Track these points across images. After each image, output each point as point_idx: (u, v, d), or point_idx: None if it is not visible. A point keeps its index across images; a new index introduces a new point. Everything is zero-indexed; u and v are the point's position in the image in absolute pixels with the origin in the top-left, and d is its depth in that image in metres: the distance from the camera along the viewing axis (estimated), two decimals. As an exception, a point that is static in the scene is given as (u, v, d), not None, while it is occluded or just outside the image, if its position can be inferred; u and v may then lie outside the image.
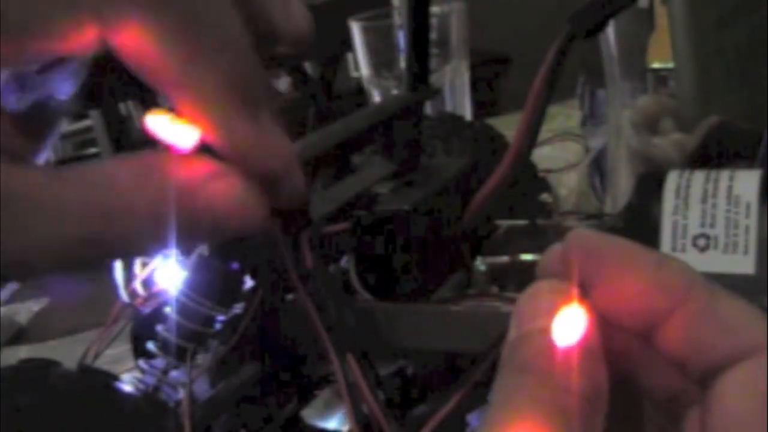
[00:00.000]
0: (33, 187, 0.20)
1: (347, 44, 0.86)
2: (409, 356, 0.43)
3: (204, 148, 0.22)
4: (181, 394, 0.40)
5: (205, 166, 0.22)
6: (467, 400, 0.36)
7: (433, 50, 0.58)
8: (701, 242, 0.43)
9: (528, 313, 0.22)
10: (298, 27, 0.25)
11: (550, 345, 0.21)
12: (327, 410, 0.48)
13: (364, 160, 0.52)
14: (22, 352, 0.70)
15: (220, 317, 0.41)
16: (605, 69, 0.74)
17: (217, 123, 0.22)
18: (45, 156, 0.23)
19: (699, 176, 0.44)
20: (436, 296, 0.45)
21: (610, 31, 0.71)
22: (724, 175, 0.44)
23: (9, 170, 0.19)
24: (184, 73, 0.21)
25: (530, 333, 0.21)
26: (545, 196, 0.66)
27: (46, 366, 0.38)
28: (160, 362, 0.41)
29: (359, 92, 0.90)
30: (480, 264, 0.47)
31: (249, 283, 0.43)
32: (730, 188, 0.43)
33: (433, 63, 0.53)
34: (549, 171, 0.77)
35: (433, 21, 0.59)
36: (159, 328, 0.41)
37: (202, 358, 0.42)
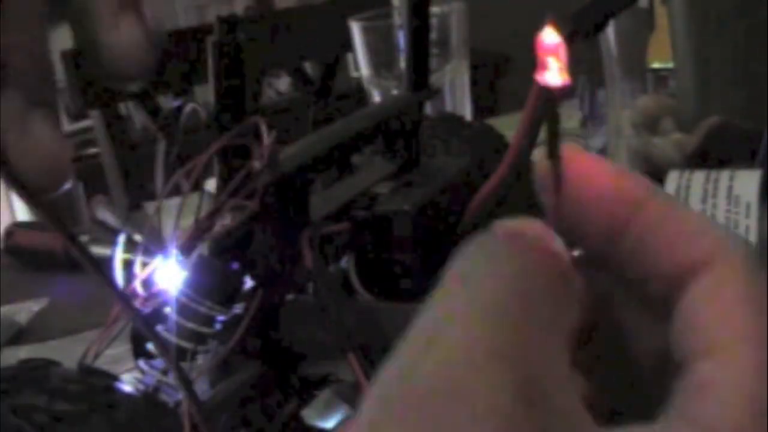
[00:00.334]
0: None
1: (347, 44, 0.86)
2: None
3: None
4: (181, 394, 0.40)
5: None
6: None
7: (433, 50, 0.58)
8: (701, 242, 0.43)
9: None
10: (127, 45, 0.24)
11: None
12: (327, 410, 0.48)
13: (364, 160, 0.52)
14: (22, 352, 0.70)
15: (220, 317, 0.41)
16: (605, 69, 0.74)
17: None
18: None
19: (699, 176, 0.44)
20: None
21: (610, 31, 0.71)
22: (724, 175, 0.44)
23: None
24: None
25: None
26: (545, 196, 0.66)
27: (46, 366, 0.38)
28: (160, 362, 0.41)
29: (359, 92, 0.90)
30: (480, 264, 0.47)
31: (249, 283, 0.43)
32: (730, 188, 0.43)
33: (433, 63, 0.53)
34: (549, 171, 0.77)
35: (433, 21, 0.59)
36: (159, 328, 0.41)
37: (202, 358, 0.42)
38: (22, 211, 1.98)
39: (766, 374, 0.19)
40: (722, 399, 0.19)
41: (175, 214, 0.42)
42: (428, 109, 0.69)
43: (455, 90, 0.84)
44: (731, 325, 0.20)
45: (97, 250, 0.77)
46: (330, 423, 0.48)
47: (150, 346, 0.41)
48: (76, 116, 2.10)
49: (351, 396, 0.47)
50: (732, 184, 0.43)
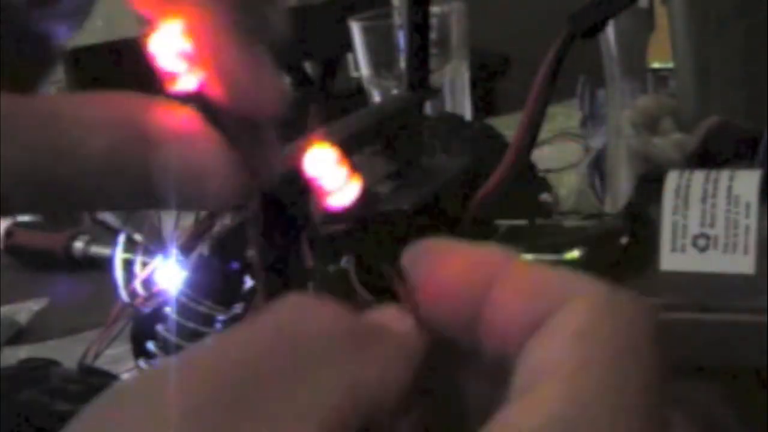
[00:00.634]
0: None
1: (347, 44, 0.86)
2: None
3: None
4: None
5: (189, 119, 0.22)
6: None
7: (433, 50, 0.58)
8: (701, 242, 0.43)
9: None
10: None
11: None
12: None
13: (364, 160, 0.52)
14: (22, 352, 0.70)
15: (220, 317, 0.41)
16: (605, 69, 0.74)
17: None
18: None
19: (699, 176, 0.44)
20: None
21: (610, 31, 0.71)
22: (724, 175, 0.44)
23: None
24: None
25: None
26: (545, 196, 0.66)
27: (46, 366, 0.38)
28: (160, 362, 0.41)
29: (359, 92, 0.90)
30: (480, 264, 0.47)
31: (249, 283, 0.43)
32: (730, 188, 0.43)
33: (433, 63, 0.53)
34: (549, 171, 0.77)
35: (433, 21, 0.59)
36: (159, 328, 0.41)
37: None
38: (22, 211, 1.98)
39: (580, 405, 0.17)
40: None
41: (175, 214, 0.42)
42: (428, 109, 0.69)
43: (455, 90, 0.84)
44: (546, 365, 0.18)
45: (97, 250, 0.77)
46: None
47: (150, 346, 0.42)
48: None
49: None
50: (732, 184, 0.43)
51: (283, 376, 0.18)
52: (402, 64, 0.52)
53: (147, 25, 0.21)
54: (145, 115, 0.21)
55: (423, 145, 0.52)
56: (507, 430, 0.17)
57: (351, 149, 0.48)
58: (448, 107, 0.83)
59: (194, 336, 0.41)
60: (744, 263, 0.42)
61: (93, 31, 0.53)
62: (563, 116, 0.99)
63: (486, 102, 1.95)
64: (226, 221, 0.41)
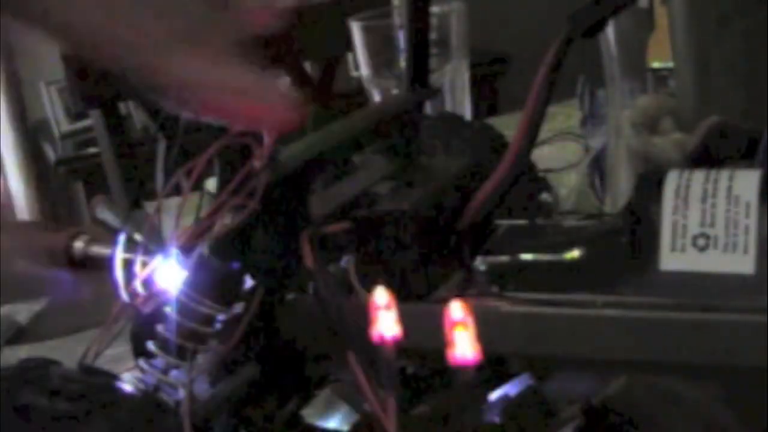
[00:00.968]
0: None
1: (347, 44, 0.86)
2: (408, 356, 0.43)
3: None
4: (181, 394, 0.40)
5: None
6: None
7: (433, 50, 0.58)
8: (701, 242, 0.43)
9: None
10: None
11: None
12: (327, 410, 0.48)
13: (364, 160, 0.52)
14: (22, 352, 0.70)
15: (220, 317, 0.41)
16: (605, 69, 0.74)
17: None
18: None
19: (699, 176, 0.44)
20: (436, 296, 0.45)
21: (610, 31, 0.71)
22: (724, 175, 0.44)
23: None
24: None
25: None
26: (545, 196, 0.66)
27: (46, 366, 0.38)
28: (160, 362, 0.41)
29: (359, 92, 0.90)
30: (480, 264, 0.47)
31: (249, 283, 0.43)
32: (730, 188, 0.43)
33: (433, 63, 0.53)
34: (549, 171, 0.77)
35: (433, 21, 0.59)
36: (159, 327, 0.41)
37: (202, 358, 0.42)
38: (22, 211, 1.97)
39: None
40: None
41: (175, 214, 0.42)
42: (428, 109, 0.69)
43: (455, 90, 0.84)
44: None
45: (97, 250, 0.77)
46: (330, 423, 0.48)
47: (150, 346, 0.42)
48: (76, 116, 2.10)
49: (351, 396, 0.47)
50: (732, 184, 0.43)
51: None
52: (402, 64, 0.52)
53: None
54: None
55: (423, 145, 0.52)
56: None
57: (351, 149, 0.48)
58: (448, 107, 0.83)
59: (194, 336, 0.41)
60: (744, 263, 0.42)
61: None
62: (563, 116, 0.99)
63: (486, 102, 1.96)
64: (226, 221, 0.41)
